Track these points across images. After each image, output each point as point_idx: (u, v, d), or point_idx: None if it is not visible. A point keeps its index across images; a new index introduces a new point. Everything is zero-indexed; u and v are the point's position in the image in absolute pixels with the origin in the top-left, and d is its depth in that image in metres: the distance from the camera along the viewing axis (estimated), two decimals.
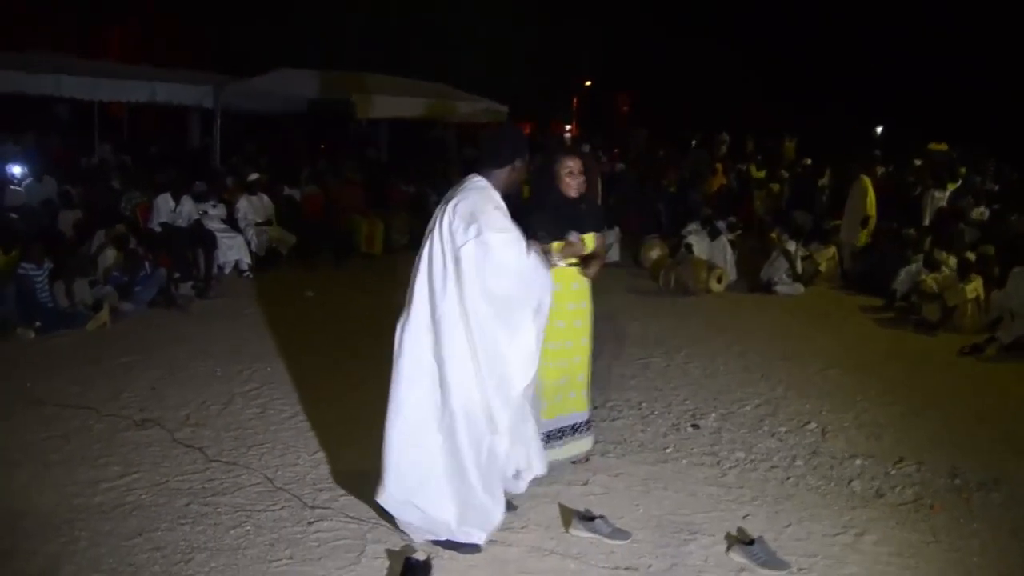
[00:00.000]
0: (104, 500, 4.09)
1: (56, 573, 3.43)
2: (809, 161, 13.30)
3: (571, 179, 4.36)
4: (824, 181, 13.62)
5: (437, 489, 3.57)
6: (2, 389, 5.71)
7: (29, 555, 3.55)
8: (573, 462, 4.56)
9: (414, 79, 15.70)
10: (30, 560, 3.51)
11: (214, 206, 10.10)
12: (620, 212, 12.85)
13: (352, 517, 3.94)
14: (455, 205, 3.57)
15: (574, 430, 4.49)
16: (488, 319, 3.50)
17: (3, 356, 6.54)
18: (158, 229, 9.42)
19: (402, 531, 3.75)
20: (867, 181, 11.02)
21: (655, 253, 11.05)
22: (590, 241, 4.36)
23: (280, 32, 19.93)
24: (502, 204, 3.65)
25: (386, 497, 3.64)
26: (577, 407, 4.47)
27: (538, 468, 3.85)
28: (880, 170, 12.55)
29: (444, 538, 3.63)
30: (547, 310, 3.70)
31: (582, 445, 4.57)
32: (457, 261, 3.48)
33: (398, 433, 3.58)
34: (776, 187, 14.10)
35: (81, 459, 4.57)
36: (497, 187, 3.69)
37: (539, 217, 4.10)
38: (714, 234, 10.83)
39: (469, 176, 3.75)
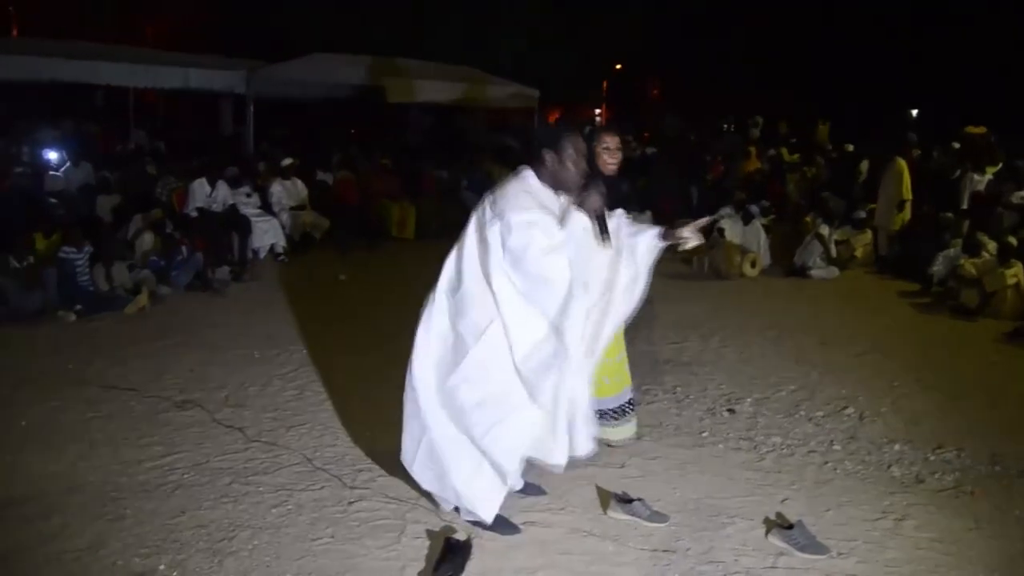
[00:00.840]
0: (148, 479, 4.17)
1: (104, 549, 3.50)
2: (852, 147, 13.01)
3: (609, 156, 4.32)
4: (864, 166, 13.40)
5: (441, 456, 3.62)
6: (46, 370, 5.82)
7: (78, 532, 3.63)
8: (611, 445, 4.56)
9: (445, 63, 15.70)
10: (79, 537, 3.59)
11: (248, 195, 10.19)
12: (652, 196, 12.77)
13: (392, 497, 3.98)
14: (493, 192, 3.61)
15: (623, 411, 4.49)
16: (514, 298, 3.48)
17: (46, 338, 6.67)
18: (194, 214, 9.52)
19: (435, 501, 3.81)
20: (902, 164, 10.83)
21: None
22: None
23: (313, 17, 19.96)
24: (539, 191, 3.59)
25: (403, 455, 3.77)
26: (627, 383, 4.50)
27: (583, 447, 3.76)
28: (916, 152, 12.32)
29: (454, 504, 3.72)
30: (598, 285, 3.74)
31: (633, 427, 4.61)
32: (484, 242, 3.50)
33: (407, 399, 3.70)
34: (810, 171, 13.93)
35: (124, 439, 4.66)
36: (543, 179, 3.62)
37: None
38: (747, 218, 10.75)
39: (521, 168, 3.73)
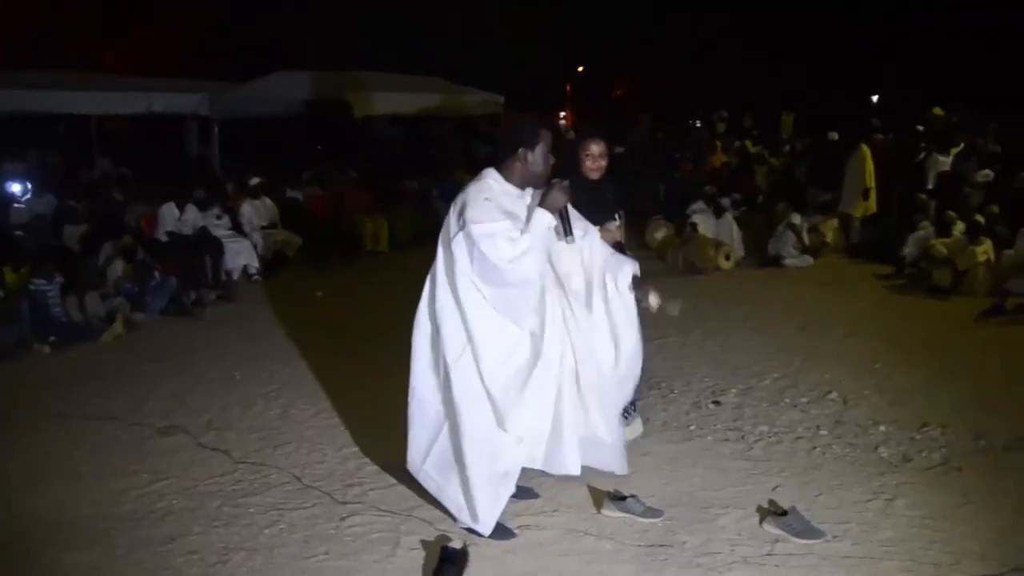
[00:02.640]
0: (136, 507, 4.10)
1: None
2: (836, 136, 12.86)
3: (592, 163, 4.36)
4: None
5: (443, 465, 3.69)
6: (25, 405, 5.72)
7: (71, 566, 3.57)
8: None
9: (410, 75, 15.69)
10: (73, 571, 3.53)
11: (219, 217, 10.10)
12: (622, 195, 12.81)
13: (384, 510, 3.96)
14: (457, 199, 3.62)
15: (625, 414, 4.51)
16: (483, 308, 3.52)
17: (22, 372, 6.56)
18: (164, 238, 9.42)
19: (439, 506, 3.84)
20: (866, 151, 10.94)
21: (661, 233, 11.05)
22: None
23: (275, 35, 19.90)
24: (499, 195, 3.58)
25: (409, 463, 3.80)
26: None
27: (570, 467, 3.83)
28: (879, 138, 12.45)
29: (454, 514, 3.74)
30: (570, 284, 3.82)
31: (635, 429, 4.65)
32: (450, 254, 3.53)
33: (410, 410, 3.75)
34: (774, 161, 14.05)
35: (111, 469, 4.58)
36: (511, 179, 3.64)
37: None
38: (719, 212, 10.83)
39: (484, 170, 3.74)
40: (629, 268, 3.91)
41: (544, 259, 3.62)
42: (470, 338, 3.54)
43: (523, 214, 3.59)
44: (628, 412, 4.54)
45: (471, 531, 3.67)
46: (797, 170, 13.60)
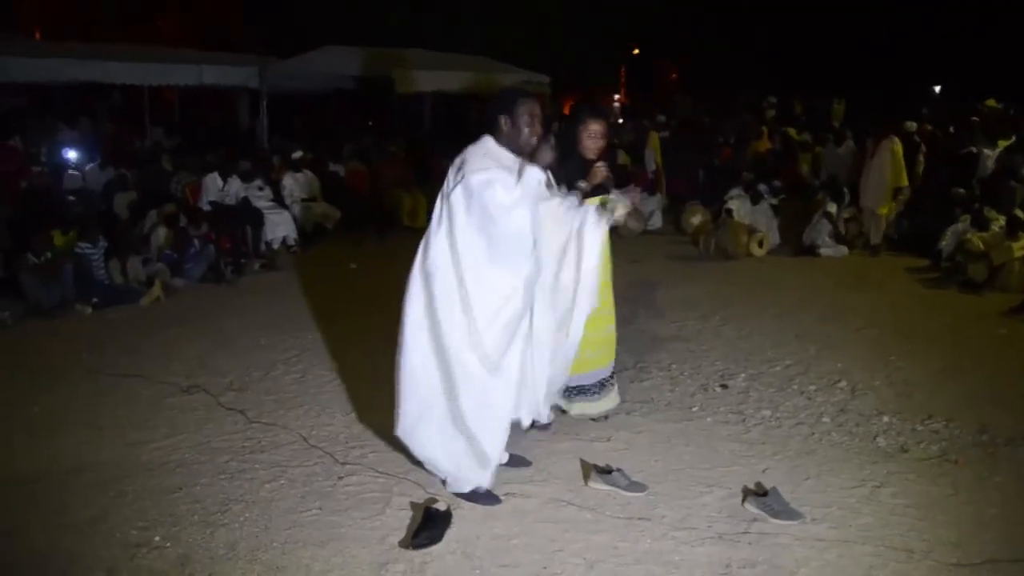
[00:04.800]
0: (151, 459, 4.35)
1: (104, 523, 3.68)
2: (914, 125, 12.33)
3: (591, 142, 4.43)
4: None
5: (437, 426, 3.76)
6: (61, 360, 6.04)
7: (82, 507, 3.82)
8: (593, 419, 4.68)
9: (456, 53, 15.80)
10: (82, 512, 3.78)
11: (261, 188, 10.37)
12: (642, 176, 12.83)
13: (381, 472, 4.13)
14: (455, 160, 3.76)
15: (602, 385, 4.61)
16: (482, 261, 3.65)
17: (63, 331, 6.89)
18: (207, 208, 9.73)
19: (427, 469, 3.95)
20: (897, 145, 10.10)
21: (696, 219, 11.03)
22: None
23: (323, 11, 20.14)
24: (498, 154, 3.74)
25: (399, 429, 3.85)
26: (604, 362, 4.60)
27: (544, 415, 4.01)
28: (928, 129, 12.20)
29: (444, 478, 3.85)
30: (548, 245, 3.94)
31: (612, 400, 4.71)
32: (447, 208, 3.66)
33: (402, 374, 3.79)
34: (820, 150, 13.85)
35: (131, 423, 4.84)
36: (501, 143, 3.77)
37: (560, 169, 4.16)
38: (756, 198, 10.76)
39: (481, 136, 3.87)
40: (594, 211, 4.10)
41: (535, 212, 3.78)
42: (463, 288, 3.65)
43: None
44: (606, 383, 4.62)
45: (459, 495, 3.82)
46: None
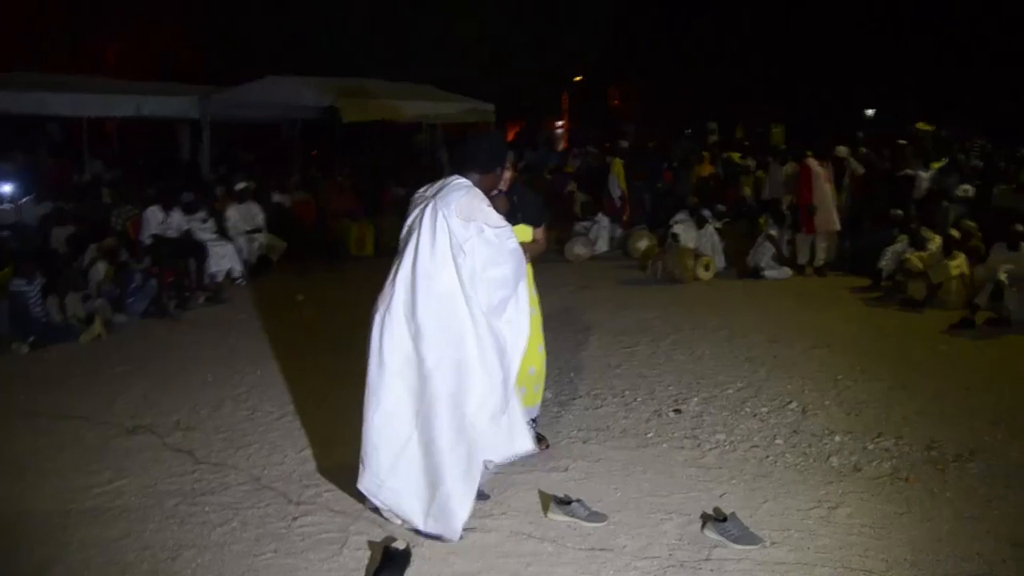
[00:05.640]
0: (95, 504, 4.19)
1: (49, 573, 3.53)
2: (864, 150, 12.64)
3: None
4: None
5: (408, 477, 3.70)
6: None
7: (24, 558, 3.66)
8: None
9: (402, 82, 15.80)
10: (25, 563, 3.62)
11: (204, 220, 10.19)
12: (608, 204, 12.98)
13: (336, 511, 4.04)
14: (447, 204, 3.72)
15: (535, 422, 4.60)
16: (490, 307, 3.74)
17: None
18: (148, 241, 9.52)
19: (385, 517, 3.86)
20: (809, 165, 10.24)
21: (643, 244, 11.15)
22: (522, 233, 4.36)
23: (271, 40, 20.04)
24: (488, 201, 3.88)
25: (365, 481, 3.77)
26: (534, 401, 4.59)
27: (522, 446, 3.97)
28: (862, 151, 12.53)
29: (417, 527, 3.74)
30: (523, 290, 3.98)
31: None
32: (458, 255, 3.67)
33: (376, 422, 3.72)
34: (762, 174, 14.14)
35: (74, 467, 4.67)
36: (478, 186, 3.89)
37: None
38: (701, 222, 10.92)
39: (451, 176, 3.87)
40: None
41: None
42: (478, 337, 3.69)
43: None
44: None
45: (417, 532, 3.74)
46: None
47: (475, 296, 3.68)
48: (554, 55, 25.39)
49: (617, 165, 12.67)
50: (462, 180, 3.85)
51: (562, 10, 24.75)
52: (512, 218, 4.31)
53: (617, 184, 12.60)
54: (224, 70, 15.08)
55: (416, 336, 3.67)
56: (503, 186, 4.41)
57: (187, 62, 20.59)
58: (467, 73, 20.01)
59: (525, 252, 4.02)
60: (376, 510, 3.90)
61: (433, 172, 14.03)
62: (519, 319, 3.85)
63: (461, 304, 3.66)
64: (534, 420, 4.62)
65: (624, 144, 14.18)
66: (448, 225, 3.66)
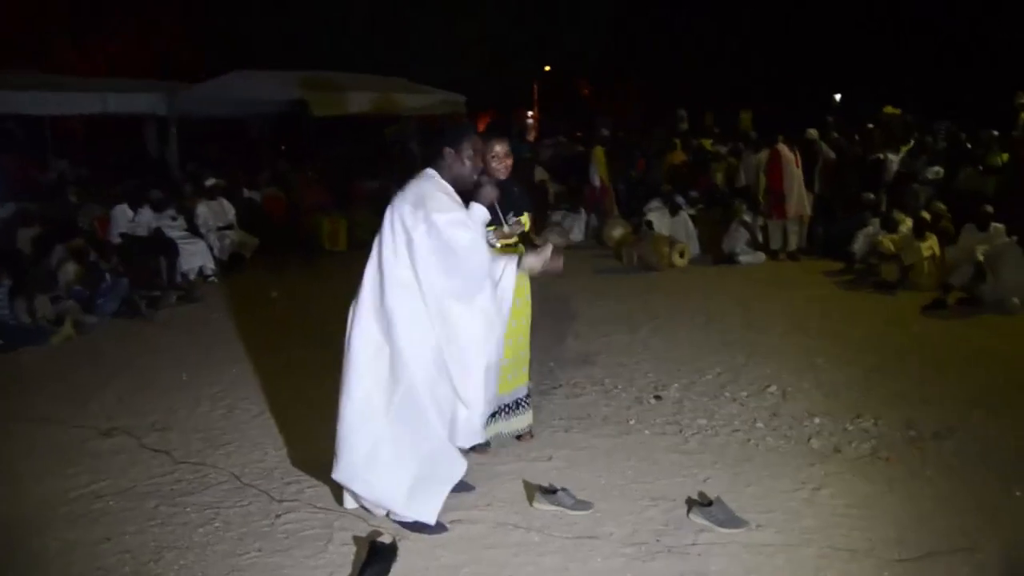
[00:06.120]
0: (72, 509, 4.11)
1: None
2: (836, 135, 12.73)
3: (498, 163, 4.44)
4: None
5: (384, 466, 3.65)
6: None
7: (3, 563, 3.58)
8: (518, 437, 4.66)
9: (372, 75, 15.67)
10: (5, 568, 3.55)
11: (174, 218, 10.05)
12: (581, 193, 12.98)
13: (320, 507, 4.00)
14: (404, 195, 3.70)
15: (518, 405, 4.59)
16: (445, 296, 3.64)
17: None
18: (117, 240, 9.37)
19: (365, 507, 3.83)
20: (778, 151, 10.33)
21: (618, 232, 11.16)
22: (527, 221, 4.49)
23: (271, 40, 19.84)
24: (450, 191, 3.76)
25: (339, 472, 3.72)
26: (522, 381, 4.57)
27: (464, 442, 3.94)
28: (835, 136, 12.61)
29: (397, 513, 3.72)
30: (508, 283, 3.91)
31: (527, 419, 4.68)
32: (410, 244, 3.59)
33: (348, 413, 3.67)
34: (734, 160, 14.19)
35: (50, 471, 4.57)
36: (446, 178, 3.80)
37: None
38: (674, 210, 10.95)
39: (423, 170, 3.84)
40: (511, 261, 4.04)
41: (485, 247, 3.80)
42: (433, 325, 3.64)
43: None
44: (520, 405, 4.60)
45: (403, 525, 3.72)
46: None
47: (429, 282, 3.62)
48: (554, 55, 25.39)
49: (599, 153, 12.66)
50: (430, 171, 3.82)
51: (562, 10, 24.74)
52: (505, 209, 4.28)
53: (598, 172, 12.59)
54: (224, 70, 14.83)
55: (388, 325, 3.64)
56: (502, 174, 4.37)
57: (187, 62, 20.34)
58: (467, 73, 19.97)
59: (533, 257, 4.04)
60: (362, 507, 3.86)
61: (404, 163, 13.98)
62: (485, 308, 3.75)
63: (417, 292, 3.63)
64: (526, 401, 4.62)
65: (606, 132, 14.18)
66: (401, 213, 3.63)
